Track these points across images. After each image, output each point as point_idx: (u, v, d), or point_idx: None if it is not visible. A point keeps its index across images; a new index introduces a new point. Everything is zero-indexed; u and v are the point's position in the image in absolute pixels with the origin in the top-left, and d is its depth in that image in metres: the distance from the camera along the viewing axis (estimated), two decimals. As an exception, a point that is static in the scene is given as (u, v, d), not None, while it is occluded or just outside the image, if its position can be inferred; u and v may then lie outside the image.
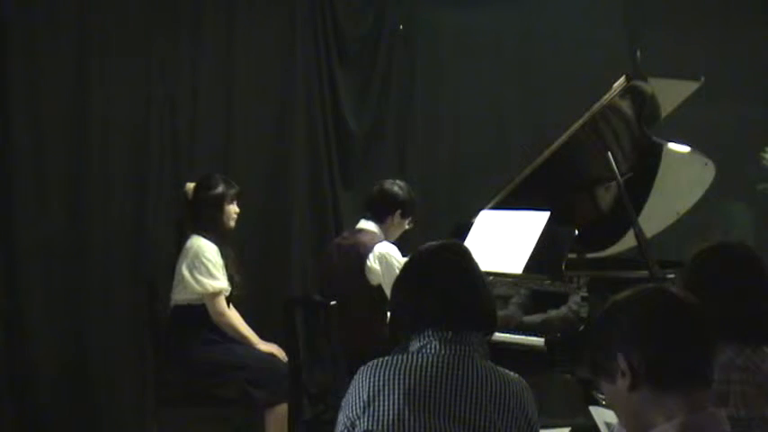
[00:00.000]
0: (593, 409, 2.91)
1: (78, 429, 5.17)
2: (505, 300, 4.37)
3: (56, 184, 5.13)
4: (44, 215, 5.11)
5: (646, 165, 4.65)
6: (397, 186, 4.69)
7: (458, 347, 2.38)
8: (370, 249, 4.51)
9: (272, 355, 4.65)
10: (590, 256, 4.79)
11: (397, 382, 2.33)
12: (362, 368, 2.41)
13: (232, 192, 4.71)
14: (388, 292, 4.24)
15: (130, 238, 5.27)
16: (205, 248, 4.59)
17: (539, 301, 4.30)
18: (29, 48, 5.05)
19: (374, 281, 4.50)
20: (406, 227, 4.75)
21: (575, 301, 4.16)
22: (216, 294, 4.58)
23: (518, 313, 4.32)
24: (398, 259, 4.46)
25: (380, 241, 4.57)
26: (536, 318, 4.26)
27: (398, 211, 4.67)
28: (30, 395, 5.06)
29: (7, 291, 5.04)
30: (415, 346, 2.41)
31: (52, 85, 5.12)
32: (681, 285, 2.51)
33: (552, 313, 4.23)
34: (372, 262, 4.49)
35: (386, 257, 4.49)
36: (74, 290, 5.15)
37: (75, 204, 5.16)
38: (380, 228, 4.64)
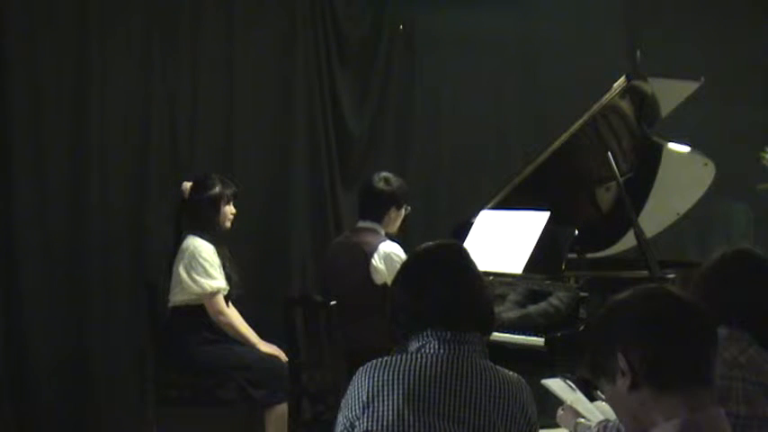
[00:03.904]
0: (545, 382, 2.98)
1: (78, 429, 5.17)
2: (505, 299, 4.37)
3: (56, 184, 5.13)
4: (44, 215, 5.10)
5: (646, 165, 4.65)
6: (383, 182, 4.63)
7: (457, 347, 2.38)
8: (374, 249, 4.50)
9: (272, 356, 4.64)
10: (590, 256, 4.79)
11: (396, 382, 2.33)
12: (361, 369, 2.41)
13: (229, 192, 4.68)
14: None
15: (130, 238, 5.27)
16: (201, 248, 4.57)
17: (537, 301, 4.29)
18: (29, 47, 5.05)
19: (379, 280, 4.50)
20: (405, 213, 4.72)
21: (557, 295, 4.16)
22: (214, 294, 4.57)
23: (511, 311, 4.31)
24: (403, 258, 4.44)
25: (384, 240, 4.56)
26: (515, 313, 4.25)
27: (393, 206, 4.64)
28: (29, 395, 5.05)
29: (7, 290, 5.03)
30: (414, 346, 2.41)
31: (52, 85, 5.11)
32: (698, 283, 2.55)
33: (531, 308, 4.23)
34: (378, 262, 4.49)
35: (391, 257, 4.48)
36: (74, 290, 5.15)
37: (75, 204, 5.16)
38: (380, 224, 4.63)
